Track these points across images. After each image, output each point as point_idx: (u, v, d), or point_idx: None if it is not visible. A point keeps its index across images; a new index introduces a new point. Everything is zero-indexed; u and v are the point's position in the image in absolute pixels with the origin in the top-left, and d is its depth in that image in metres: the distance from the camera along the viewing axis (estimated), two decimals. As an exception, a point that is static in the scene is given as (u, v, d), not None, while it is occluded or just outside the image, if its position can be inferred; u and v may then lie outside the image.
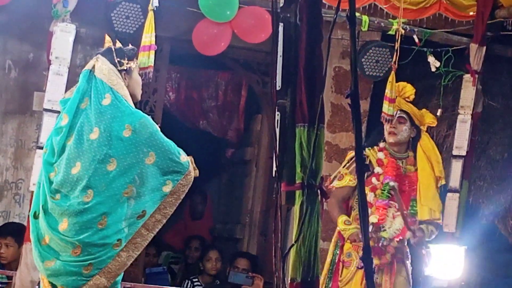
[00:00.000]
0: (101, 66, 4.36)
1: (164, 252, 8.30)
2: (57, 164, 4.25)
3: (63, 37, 6.05)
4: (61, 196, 4.21)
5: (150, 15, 6.12)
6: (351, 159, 6.02)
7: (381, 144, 6.10)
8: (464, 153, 7.14)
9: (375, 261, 5.84)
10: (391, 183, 5.94)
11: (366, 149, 6.06)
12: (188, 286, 7.47)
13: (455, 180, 7.10)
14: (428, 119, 6.12)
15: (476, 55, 7.10)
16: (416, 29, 7.06)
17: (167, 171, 4.25)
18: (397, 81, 6.14)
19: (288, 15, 3.82)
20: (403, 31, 6.56)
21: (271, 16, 3.89)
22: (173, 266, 8.30)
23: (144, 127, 4.24)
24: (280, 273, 3.65)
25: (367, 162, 5.99)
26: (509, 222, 7.72)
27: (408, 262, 6.02)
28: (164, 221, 4.28)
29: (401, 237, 5.91)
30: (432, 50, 7.15)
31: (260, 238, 7.96)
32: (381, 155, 6.05)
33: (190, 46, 6.72)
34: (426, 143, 6.06)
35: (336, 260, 5.97)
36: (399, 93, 6.10)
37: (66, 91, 5.81)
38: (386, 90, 6.10)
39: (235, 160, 8.96)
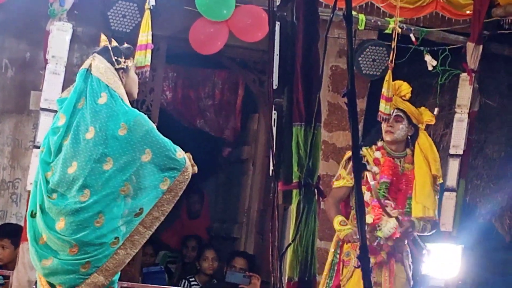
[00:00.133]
0: (98, 65, 4.36)
1: (161, 251, 8.29)
2: (54, 164, 4.25)
3: (59, 36, 6.04)
4: (58, 196, 4.20)
5: (147, 14, 6.11)
6: (349, 159, 6.03)
7: (379, 143, 6.10)
8: (461, 152, 7.14)
9: (372, 259, 5.84)
10: (385, 180, 5.95)
11: (364, 148, 6.06)
12: (185, 285, 7.46)
13: (452, 179, 7.10)
14: (427, 117, 6.11)
15: (473, 54, 7.10)
16: (412, 28, 7.06)
17: (163, 168, 4.25)
18: (394, 80, 6.13)
19: (285, 14, 3.83)
20: (399, 30, 6.56)
21: (267, 15, 3.89)
22: (170, 266, 8.30)
23: (139, 125, 4.24)
24: (277, 272, 3.65)
25: (364, 162, 5.98)
26: (506, 221, 7.73)
27: (407, 262, 6.01)
28: (162, 218, 4.28)
29: (397, 236, 5.90)
30: (428, 49, 7.15)
31: (257, 237, 7.97)
32: (378, 154, 6.05)
33: (187, 45, 6.71)
34: (424, 141, 6.05)
35: (337, 260, 5.97)
36: (396, 91, 6.10)
37: (63, 90, 5.80)
38: (383, 89, 6.10)
39: (232, 159, 8.97)
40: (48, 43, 6.09)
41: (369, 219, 5.87)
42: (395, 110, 6.05)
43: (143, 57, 5.79)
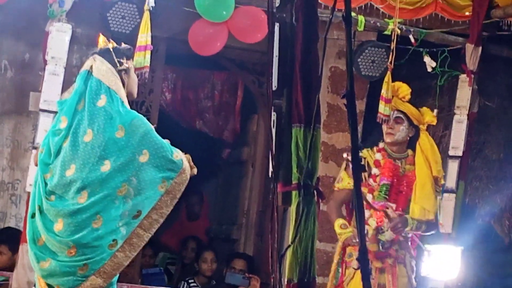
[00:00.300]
0: (99, 66, 4.34)
1: (160, 253, 8.29)
2: (53, 166, 4.24)
3: (59, 37, 6.04)
4: (56, 198, 4.20)
5: (146, 15, 6.11)
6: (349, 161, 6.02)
7: (380, 144, 6.09)
8: (460, 154, 7.14)
9: (378, 264, 5.85)
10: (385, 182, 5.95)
11: (365, 150, 6.06)
12: (184, 287, 7.46)
13: (451, 180, 7.10)
14: (428, 117, 6.10)
15: (472, 55, 7.10)
16: (412, 29, 7.06)
17: (161, 170, 4.23)
18: (393, 81, 6.13)
19: (284, 15, 3.82)
20: (399, 31, 6.56)
21: (267, 16, 3.88)
22: (169, 267, 8.30)
23: (137, 127, 4.23)
24: (277, 273, 3.65)
25: (364, 163, 5.97)
26: (505, 223, 7.73)
27: (410, 264, 6.00)
28: (161, 221, 4.27)
29: (400, 238, 5.90)
30: (428, 50, 7.15)
31: (257, 239, 7.96)
32: (378, 156, 6.04)
33: (186, 46, 6.71)
34: (425, 142, 6.04)
35: (342, 262, 5.98)
36: (395, 93, 6.10)
37: (62, 91, 5.81)
38: (382, 90, 6.10)
39: (231, 161, 8.96)
40: (47, 44, 6.09)
41: (372, 222, 5.87)
42: (395, 112, 6.04)
43: (142, 58, 5.79)
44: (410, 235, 6.00)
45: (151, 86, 7.04)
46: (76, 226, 4.13)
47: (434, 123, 6.29)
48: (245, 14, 6.68)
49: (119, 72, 4.39)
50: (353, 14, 6.45)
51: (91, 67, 4.36)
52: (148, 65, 5.84)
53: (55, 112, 4.57)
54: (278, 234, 3.70)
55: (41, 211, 4.22)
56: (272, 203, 3.71)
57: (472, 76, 7.14)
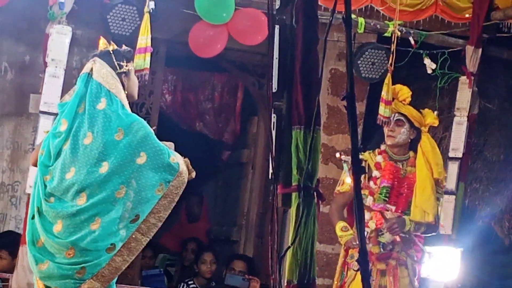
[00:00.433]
0: (99, 69, 4.34)
1: (160, 254, 8.29)
2: (53, 168, 4.24)
3: (59, 39, 6.04)
4: (55, 199, 4.20)
5: (146, 17, 6.11)
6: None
7: (382, 147, 6.08)
8: (460, 155, 7.15)
9: (380, 266, 5.86)
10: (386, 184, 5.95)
11: (366, 152, 6.06)
12: (184, 288, 7.47)
13: (451, 182, 7.11)
14: (430, 119, 6.09)
15: (472, 57, 7.11)
16: (412, 31, 7.07)
17: (158, 173, 4.23)
18: (393, 83, 6.13)
19: (284, 17, 3.83)
20: (399, 33, 6.57)
21: (267, 18, 3.89)
22: (169, 269, 8.30)
23: (136, 130, 4.22)
24: (277, 275, 3.65)
25: (365, 166, 5.97)
26: (505, 224, 7.74)
27: (412, 266, 6.00)
28: (159, 224, 4.25)
29: (397, 239, 5.91)
30: (428, 52, 7.16)
31: (257, 240, 7.97)
32: (379, 158, 6.03)
33: (186, 48, 6.72)
34: (426, 144, 6.03)
35: (343, 264, 5.99)
36: (396, 96, 6.10)
37: (62, 93, 5.81)
38: (382, 92, 6.10)
39: (231, 162, 8.97)
40: (47, 46, 6.09)
41: (372, 224, 5.88)
42: (396, 114, 6.04)
43: (143, 60, 5.79)
44: (414, 238, 6.00)
45: (151, 88, 7.04)
46: (75, 227, 4.12)
47: (436, 125, 6.29)
48: (245, 16, 6.69)
49: (119, 74, 4.39)
50: (353, 16, 6.45)
51: (91, 69, 4.35)
52: (148, 67, 5.85)
53: (55, 114, 4.56)
54: (278, 235, 3.70)
55: (40, 212, 4.22)
56: (272, 204, 3.72)
57: (472, 78, 7.15)
